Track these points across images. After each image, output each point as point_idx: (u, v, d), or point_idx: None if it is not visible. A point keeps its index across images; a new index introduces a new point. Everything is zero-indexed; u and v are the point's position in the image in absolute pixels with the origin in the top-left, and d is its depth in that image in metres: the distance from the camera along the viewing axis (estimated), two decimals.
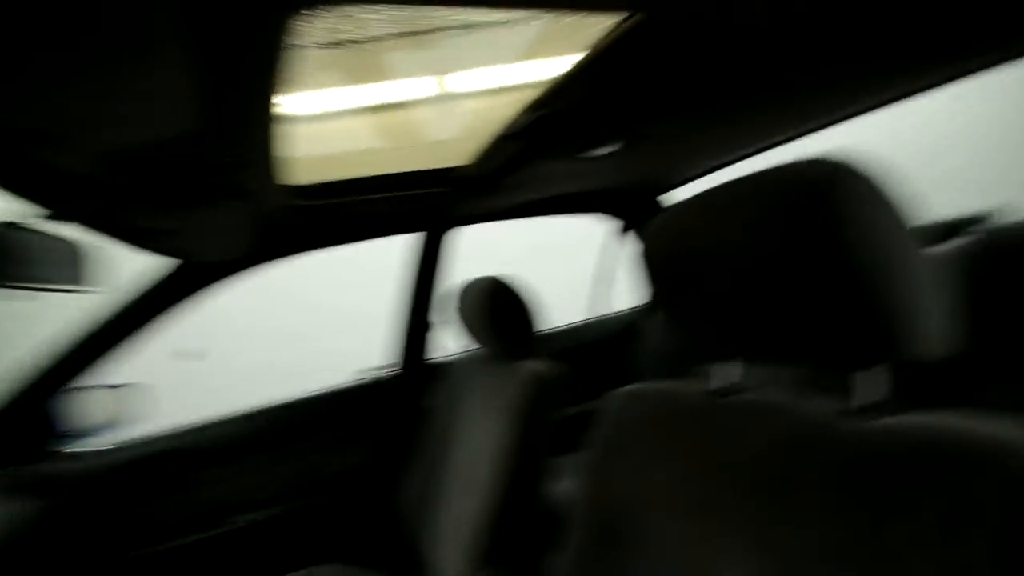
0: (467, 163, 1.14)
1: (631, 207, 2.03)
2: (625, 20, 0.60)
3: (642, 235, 0.61)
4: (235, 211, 0.96)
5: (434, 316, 1.69)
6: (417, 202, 1.34)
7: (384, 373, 1.75)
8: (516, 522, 1.00)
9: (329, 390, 1.69)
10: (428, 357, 1.70)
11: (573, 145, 1.01)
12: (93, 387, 1.37)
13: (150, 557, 1.38)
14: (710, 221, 0.51)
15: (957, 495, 0.36)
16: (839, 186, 0.41)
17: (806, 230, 0.42)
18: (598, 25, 0.63)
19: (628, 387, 0.70)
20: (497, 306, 1.11)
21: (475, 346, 1.30)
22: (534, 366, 1.05)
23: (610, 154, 1.13)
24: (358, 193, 1.21)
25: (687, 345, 0.62)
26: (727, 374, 0.60)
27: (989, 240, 1.14)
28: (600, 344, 2.02)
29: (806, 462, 0.46)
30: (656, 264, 0.59)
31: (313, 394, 1.66)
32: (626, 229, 2.11)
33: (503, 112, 0.90)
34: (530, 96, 0.83)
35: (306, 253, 1.48)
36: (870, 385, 0.46)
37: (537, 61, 0.77)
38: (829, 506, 0.43)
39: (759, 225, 0.46)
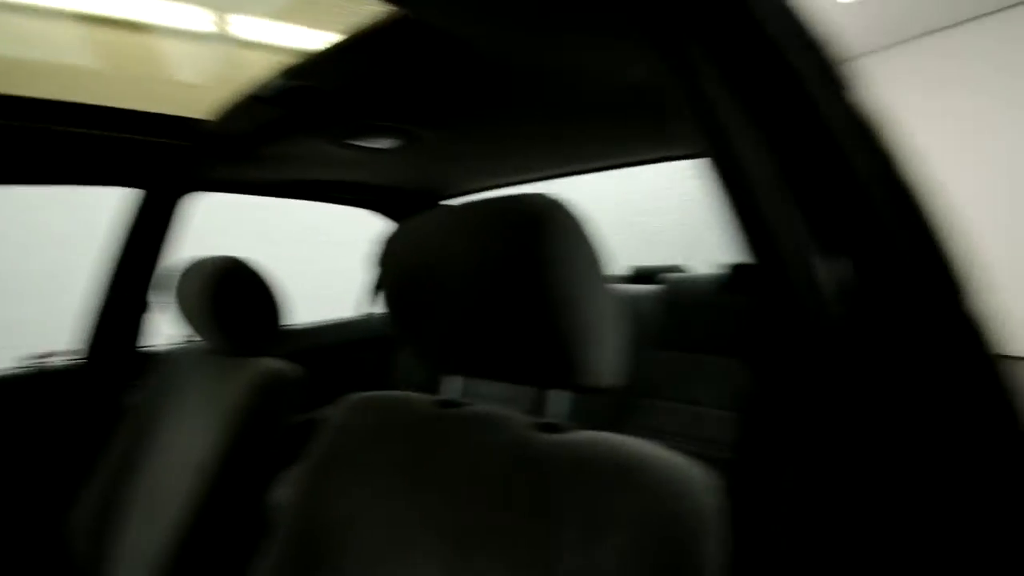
0: (211, 118, 0.97)
1: (408, 210, 2.02)
2: (390, 14, 0.57)
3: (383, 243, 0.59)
4: None
5: (148, 295, 1.39)
6: (141, 151, 1.08)
7: (67, 360, 1.36)
8: (225, 540, 0.86)
9: None
10: (131, 345, 1.39)
11: (339, 129, 0.93)
12: None
13: None
14: (437, 239, 0.52)
15: (605, 502, 0.42)
16: (546, 222, 0.44)
17: (513, 258, 0.44)
18: (360, 10, 0.59)
19: (355, 395, 0.67)
20: (226, 293, 0.95)
21: (196, 337, 1.10)
22: (265, 364, 0.93)
23: (388, 150, 1.09)
24: (58, 120, 0.92)
25: (417, 357, 0.61)
26: (452, 387, 0.62)
27: (676, 285, 1.46)
28: (357, 347, 1.94)
29: (500, 473, 0.49)
30: (388, 273, 0.57)
31: None
32: None
33: (256, 70, 0.79)
34: (287, 61, 0.74)
35: None
36: (557, 405, 0.52)
37: (296, 27, 0.69)
38: (516, 514, 0.46)
39: (476, 248, 0.47)
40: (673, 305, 1.42)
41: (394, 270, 0.57)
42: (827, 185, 0.27)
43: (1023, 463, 0.20)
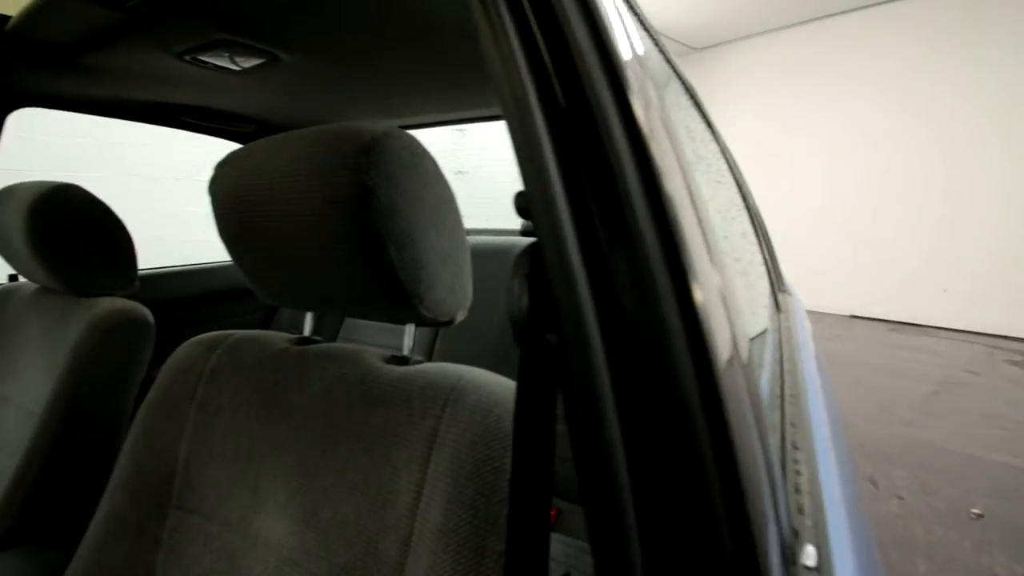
0: (22, 17, 0.81)
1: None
2: None
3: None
4: None
5: None
6: None
7: None
8: (65, 489, 0.79)
9: None
10: None
11: (173, 40, 0.82)
12: None
13: None
14: (268, 167, 0.48)
15: (435, 424, 0.43)
16: (380, 150, 0.42)
17: (345, 186, 0.42)
18: None
19: (204, 335, 0.62)
20: (51, 222, 0.83)
21: (25, 275, 0.96)
22: (109, 304, 0.84)
23: (239, 72, 0.98)
24: None
25: (258, 294, 0.58)
26: (308, 323, 0.60)
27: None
28: (231, 295, 1.81)
29: (344, 403, 0.49)
30: (221, 205, 0.53)
31: None
32: None
33: None
34: None
35: None
36: (408, 337, 0.53)
37: None
38: (357, 441, 0.47)
39: (309, 177, 0.45)
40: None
41: (227, 202, 0.52)
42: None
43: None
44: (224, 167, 0.53)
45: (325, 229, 0.45)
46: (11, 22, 0.86)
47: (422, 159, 0.47)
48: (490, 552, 0.37)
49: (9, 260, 0.95)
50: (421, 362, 0.52)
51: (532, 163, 0.26)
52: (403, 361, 0.52)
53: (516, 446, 0.28)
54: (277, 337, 0.61)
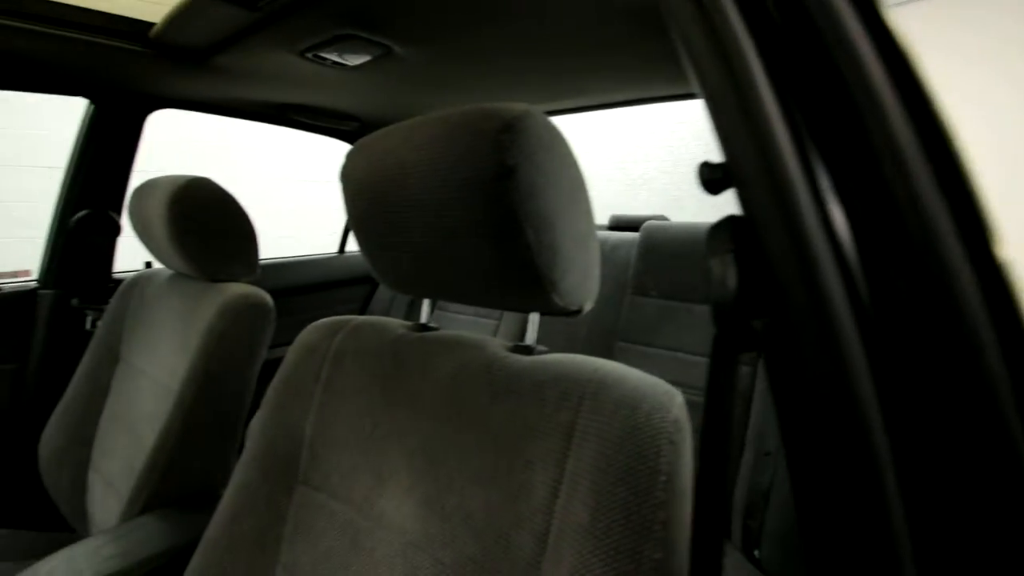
0: (165, 23, 0.88)
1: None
2: None
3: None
4: None
5: (110, 217, 1.32)
6: (85, 53, 0.99)
7: (20, 283, 1.31)
8: (198, 459, 0.86)
9: None
10: (94, 268, 1.34)
11: (297, 37, 0.85)
12: None
13: None
14: (400, 154, 0.48)
15: (572, 417, 0.41)
16: (520, 130, 0.41)
17: (481, 168, 0.41)
18: None
19: (326, 319, 0.65)
20: (188, 213, 0.90)
21: (162, 261, 1.05)
22: (237, 288, 0.90)
23: (355, 68, 1.01)
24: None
25: (383, 282, 0.59)
26: (426, 311, 0.61)
27: (653, 234, 1.46)
28: (335, 286, 1.91)
29: (471, 392, 0.49)
30: (350, 194, 0.54)
31: None
32: None
33: None
34: None
35: None
36: (532, 327, 0.51)
37: None
38: (486, 429, 0.46)
39: (441, 160, 0.44)
40: (650, 253, 1.42)
41: (356, 188, 0.53)
42: (849, 130, 0.22)
43: None
44: (356, 153, 0.53)
45: (458, 212, 0.44)
46: (155, 29, 0.94)
47: (559, 139, 0.45)
48: (646, 560, 0.34)
49: (149, 247, 1.05)
50: (545, 352, 0.51)
51: (748, 129, 0.22)
52: (527, 351, 0.50)
53: (705, 446, 0.24)
54: (394, 323, 0.62)
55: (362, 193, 0.52)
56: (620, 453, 0.37)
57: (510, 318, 1.60)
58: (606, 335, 1.40)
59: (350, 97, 1.31)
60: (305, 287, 1.82)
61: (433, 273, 0.51)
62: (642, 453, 0.37)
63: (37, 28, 0.87)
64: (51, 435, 1.06)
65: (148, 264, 1.39)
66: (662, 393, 0.40)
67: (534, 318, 0.51)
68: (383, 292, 2.03)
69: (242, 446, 0.91)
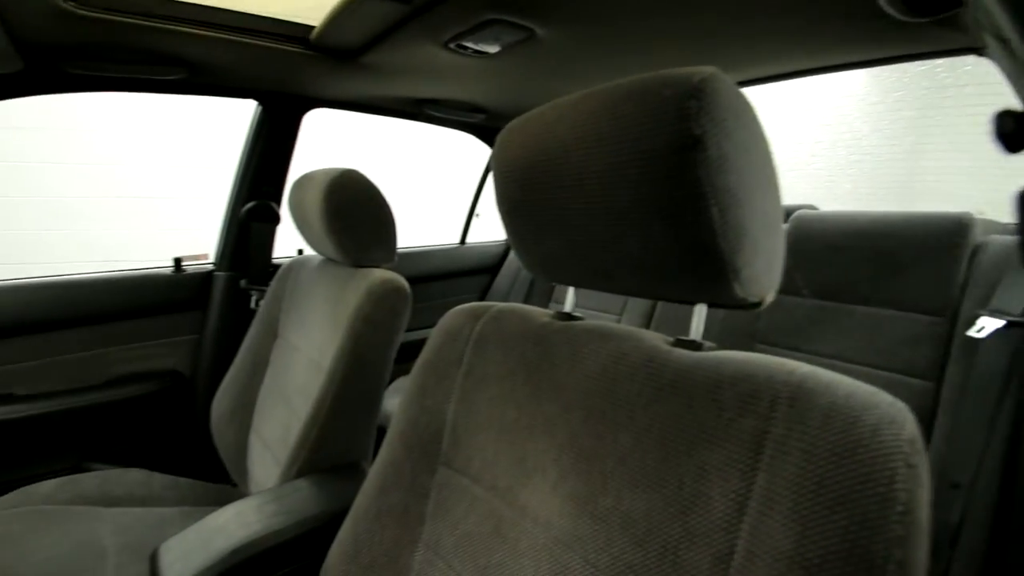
0: (324, 26, 0.95)
1: (497, 133, 1.96)
2: None
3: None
4: None
5: (272, 208, 1.48)
6: (255, 58, 1.10)
7: (202, 265, 1.51)
8: (345, 431, 0.93)
9: (123, 274, 1.41)
10: (257, 253, 1.50)
11: (449, 25, 0.87)
12: None
13: None
14: (560, 130, 0.45)
15: (764, 426, 0.36)
16: (710, 94, 0.36)
17: (662, 140, 0.37)
18: None
19: (469, 304, 0.65)
20: (341, 204, 0.97)
21: (314, 247, 1.15)
22: (381, 274, 0.95)
23: (493, 57, 1.01)
24: (168, 19, 0.94)
25: (531, 269, 0.57)
26: (570, 299, 0.58)
27: (804, 226, 1.29)
28: (457, 275, 1.97)
29: (629, 387, 0.45)
30: (501, 175, 0.52)
31: (101, 276, 1.37)
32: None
33: None
34: None
35: (98, 89, 1.16)
36: (697, 319, 0.46)
37: None
38: (648, 428, 0.43)
39: (610, 135, 0.40)
40: (801, 247, 1.24)
41: (508, 169, 0.51)
42: None
43: None
44: (508, 134, 0.52)
45: (627, 191, 0.40)
46: (315, 32, 1.02)
47: (748, 106, 0.39)
48: None
49: (304, 233, 1.14)
50: (714, 348, 0.45)
51: None
52: (694, 346, 0.45)
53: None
54: (536, 311, 0.60)
55: (514, 175, 0.51)
56: (837, 473, 0.31)
57: (635, 312, 1.53)
58: (742, 336, 1.28)
59: (481, 88, 1.32)
60: (428, 276, 1.90)
61: (588, 259, 0.48)
62: (869, 476, 0.30)
63: (214, 35, 0.99)
64: (221, 399, 1.21)
65: (300, 251, 1.54)
66: (888, 404, 0.33)
67: (701, 310, 0.46)
68: (500, 282, 2.07)
69: (381, 424, 0.97)
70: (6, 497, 1.02)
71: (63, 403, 1.29)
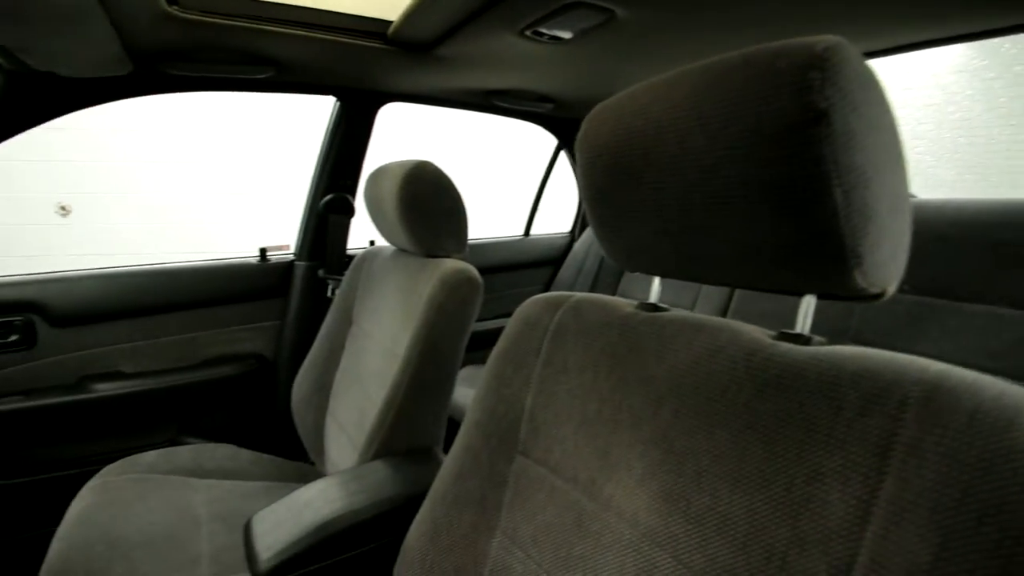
0: (402, 20, 0.97)
1: (564, 125, 1.93)
2: None
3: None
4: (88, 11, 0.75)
5: (348, 199, 1.53)
6: (336, 54, 1.14)
7: (284, 255, 1.60)
8: (418, 417, 0.95)
9: (215, 263, 1.52)
10: (333, 244, 1.56)
11: (521, 13, 0.85)
12: None
13: None
14: (657, 109, 0.43)
15: (890, 422, 0.33)
16: (837, 63, 0.33)
17: (784, 109, 0.34)
18: None
19: (546, 294, 0.64)
20: (415, 195, 0.98)
21: (387, 238, 1.18)
22: (453, 264, 0.97)
23: (567, 44, 0.99)
24: (258, 19, 0.99)
25: (616, 258, 0.55)
26: (656, 290, 0.56)
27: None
28: (522, 267, 1.97)
29: (730, 380, 0.43)
30: (587, 159, 0.50)
31: (196, 265, 1.48)
32: (560, 148, 2.02)
33: None
34: None
35: (195, 89, 1.24)
36: (805, 311, 0.43)
37: None
38: (749, 426, 0.40)
39: (717, 110, 0.38)
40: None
41: (594, 155, 0.50)
42: None
43: None
44: (596, 118, 0.50)
45: (734, 172, 0.38)
46: (393, 27, 1.04)
47: (876, 78, 0.35)
48: None
49: (377, 224, 1.18)
50: (823, 343, 0.42)
51: None
52: (801, 340, 0.42)
53: None
54: (617, 301, 0.58)
55: (602, 160, 0.49)
56: (986, 482, 0.28)
57: (709, 303, 1.47)
58: (831, 335, 1.18)
59: (551, 77, 1.31)
60: (494, 268, 1.91)
61: (682, 247, 0.46)
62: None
63: (299, 34, 1.03)
64: (300, 382, 1.27)
65: (371, 242, 1.59)
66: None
67: (810, 301, 0.43)
68: (564, 274, 2.05)
69: (446, 410, 0.98)
70: (114, 465, 1.12)
71: (163, 381, 1.41)
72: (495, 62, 1.14)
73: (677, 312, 0.53)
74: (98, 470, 1.10)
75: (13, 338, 1.25)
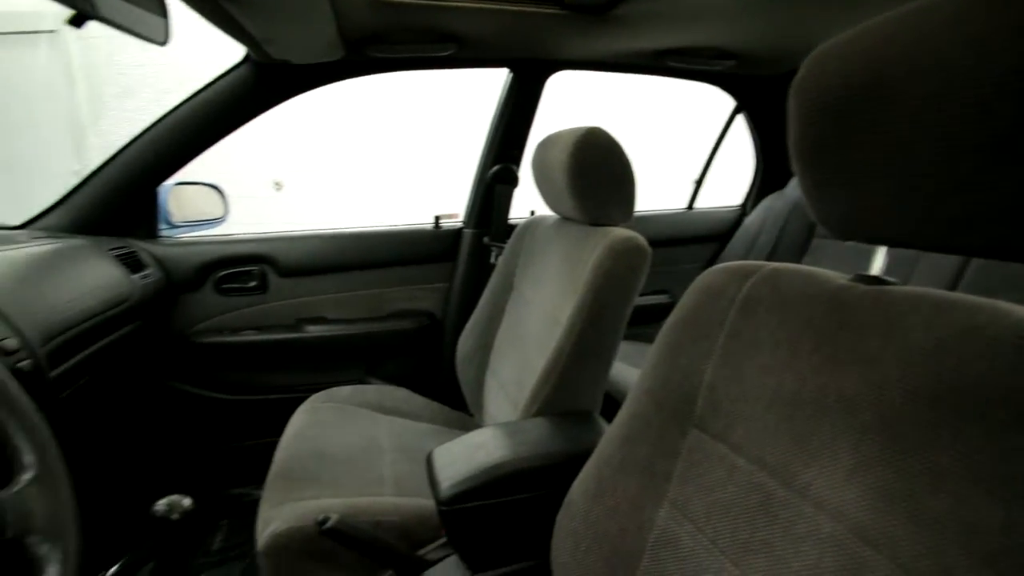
0: None
1: (746, 84, 1.74)
2: None
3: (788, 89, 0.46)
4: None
5: (513, 170, 1.59)
6: (512, 25, 1.16)
7: (454, 223, 1.72)
8: (580, 381, 0.96)
9: (398, 229, 1.71)
10: (501, 212, 1.64)
11: None
12: (192, 183, 1.49)
13: (227, 347, 1.55)
14: (895, 45, 0.36)
15: None
16: None
17: None
18: None
19: (733, 263, 0.60)
20: (586, 161, 0.97)
21: (552, 206, 1.20)
22: (621, 232, 0.95)
23: None
24: None
25: (836, 222, 0.48)
26: (880, 261, 0.49)
27: None
28: (681, 243, 1.86)
29: (989, 369, 0.36)
30: (804, 112, 0.44)
31: (382, 229, 1.69)
32: (738, 111, 1.83)
33: None
34: None
35: (391, 70, 1.38)
36: None
37: None
38: (1014, 419, 0.34)
39: (986, 43, 0.31)
40: None
41: (816, 103, 0.44)
42: None
43: None
44: (818, 61, 0.44)
45: (1014, 111, 0.30)
46: None
47: None
48: None
49: (543, 192, 1.19)
50: None
51: None
52: None
53: None
54: (825, 272, 0.51)
55: (827, 108, 0.43)
56: None
57: (926, 280, 1.22)
58: None
59: (733, 30, 1.19)
60: (653, 242, 1.84)
61: (934, 207, 0.38)
62: None
63: (479, 7, 1.07)
64: (464, 339, 1.37)
65: (532, 212, 1.63)
66: None
67: None
68: (731, 252, 1.89)
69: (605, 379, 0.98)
70: (319, 394, 1.34)
71: (356, 328, 1.64)
72: (675, 17, 1.07)
73: (910, 287, 0.45)
74: (304, 396, 1.33)
75: (252, 284, 1.55)
